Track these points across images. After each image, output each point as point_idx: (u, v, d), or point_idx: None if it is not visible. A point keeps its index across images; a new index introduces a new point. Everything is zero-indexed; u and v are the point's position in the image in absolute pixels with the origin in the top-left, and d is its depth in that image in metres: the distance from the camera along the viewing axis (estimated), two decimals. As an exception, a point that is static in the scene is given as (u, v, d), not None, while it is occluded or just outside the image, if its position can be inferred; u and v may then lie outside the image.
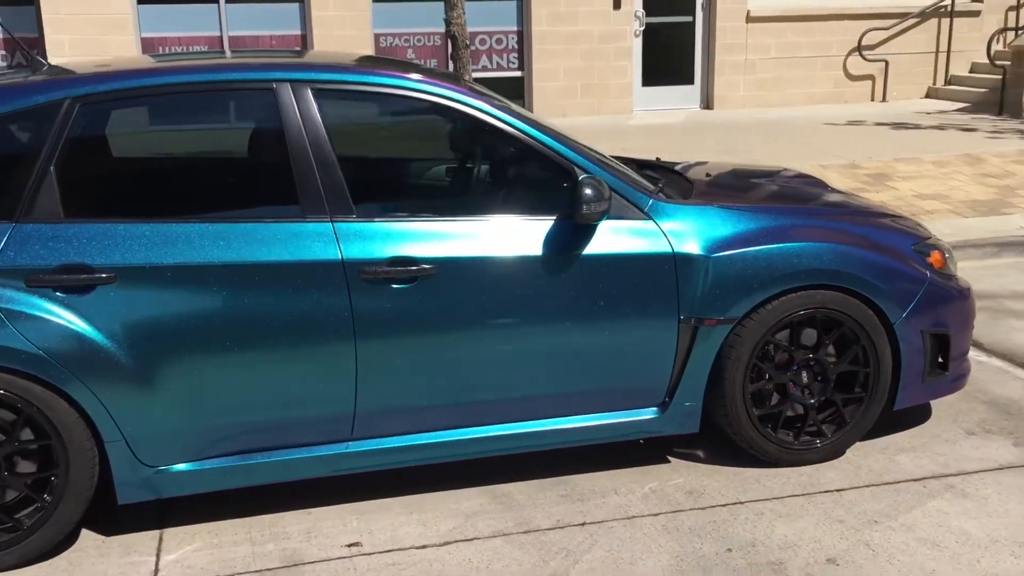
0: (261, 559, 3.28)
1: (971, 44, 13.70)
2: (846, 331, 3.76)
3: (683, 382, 3.67)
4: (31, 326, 3.09)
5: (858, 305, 3.73)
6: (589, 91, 12.66)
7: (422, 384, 3.45)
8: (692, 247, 3.60)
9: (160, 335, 3.20)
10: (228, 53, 3.85)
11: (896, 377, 3.86)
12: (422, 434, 3.52)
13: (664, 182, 4.03)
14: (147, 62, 3.57)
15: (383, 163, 4.55)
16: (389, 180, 4.29)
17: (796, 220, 3.81)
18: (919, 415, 4.27)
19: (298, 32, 11.86)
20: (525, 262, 3.46)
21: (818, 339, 3.78)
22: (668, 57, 13.06)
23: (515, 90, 12.37)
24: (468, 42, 7.87)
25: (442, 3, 7.98)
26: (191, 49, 11.59)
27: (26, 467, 3.20)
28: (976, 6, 13.69)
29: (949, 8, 13.49)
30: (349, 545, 3.35)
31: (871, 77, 13.58)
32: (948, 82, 13.73)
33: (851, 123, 11.60)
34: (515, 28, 12.47)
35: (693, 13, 13.04)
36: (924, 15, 13.52)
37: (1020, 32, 12.69)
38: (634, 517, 3.50)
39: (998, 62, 12.71)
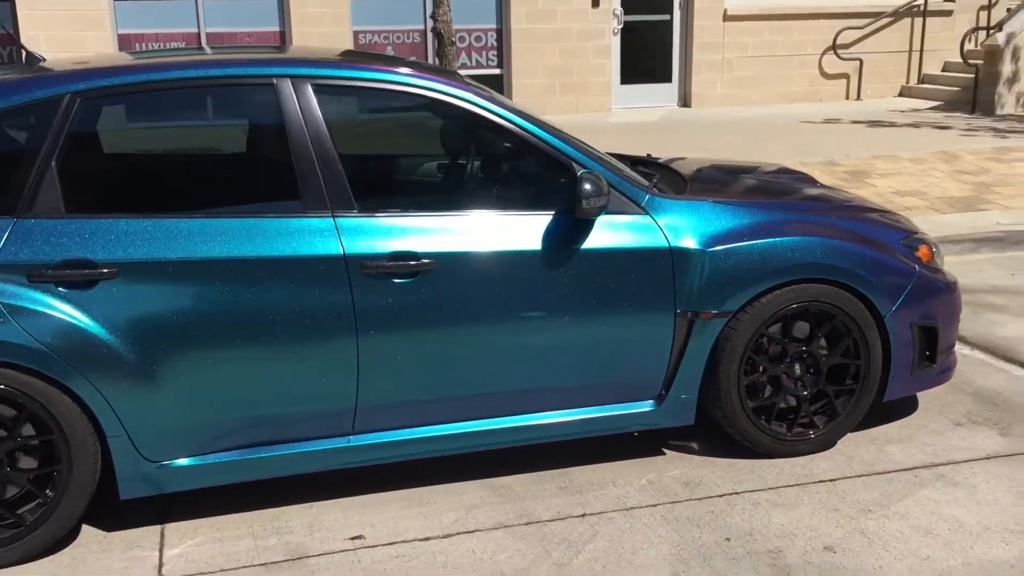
0: (264, 552, 3.29)
1: (944, 43, 13.91)
2: (838, 324, 3.83)
3: (679, 375, 3.72)
4: (33, 321, 3.08)
5: (849, 298, 3.80)
6: (568, 89, 12.72)
7: (423, 378, 3.48)
8: (688, 241, 3.65)
9: (163, 330, 3.20)
10: (208, 50, 3.84)
11: (886, 369, 3.93)
12: (423, 428, 3.55)
13: (658, 177, 4.08)
14: (127, 59, 3.56)
15: (384, 158, 4.57)
16: (390, 175, 4.31)
17: (789, 215, 3.87)
18: (907, 407, 4.35)
19: (276, 28, 11.82)
20: (524, 257, 3.49)
21: (810, 332, 3.84)
22: (646, 55, 13.15)
23: (495, 88, 12.19)
24: (453, 39, 7.90)
25: (420, 0, 7.99)
26: (168, 46, 11.52)
27: (28, 463, 3.20)
28: (948, 6, 13.89)
29: (922, 7, 13.68)
30: (352, 538, 3.37)
31: (846, 76, 13.74)
32: (921, 80, 13.92)
33: (827, 121, 11.73)
34: (494, 26, 12.49)
35: (671, 12, 13.13)
36: (897, 14, 13.70)
37: (992, 31, 12.88)
38: (633, 508, 3.54)
39: (970, 61, 12.91)
